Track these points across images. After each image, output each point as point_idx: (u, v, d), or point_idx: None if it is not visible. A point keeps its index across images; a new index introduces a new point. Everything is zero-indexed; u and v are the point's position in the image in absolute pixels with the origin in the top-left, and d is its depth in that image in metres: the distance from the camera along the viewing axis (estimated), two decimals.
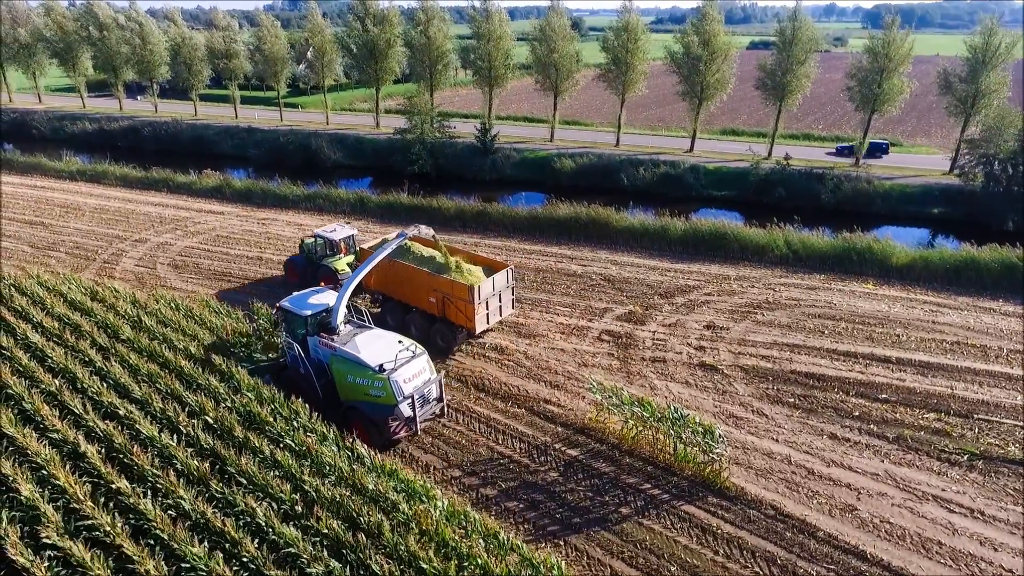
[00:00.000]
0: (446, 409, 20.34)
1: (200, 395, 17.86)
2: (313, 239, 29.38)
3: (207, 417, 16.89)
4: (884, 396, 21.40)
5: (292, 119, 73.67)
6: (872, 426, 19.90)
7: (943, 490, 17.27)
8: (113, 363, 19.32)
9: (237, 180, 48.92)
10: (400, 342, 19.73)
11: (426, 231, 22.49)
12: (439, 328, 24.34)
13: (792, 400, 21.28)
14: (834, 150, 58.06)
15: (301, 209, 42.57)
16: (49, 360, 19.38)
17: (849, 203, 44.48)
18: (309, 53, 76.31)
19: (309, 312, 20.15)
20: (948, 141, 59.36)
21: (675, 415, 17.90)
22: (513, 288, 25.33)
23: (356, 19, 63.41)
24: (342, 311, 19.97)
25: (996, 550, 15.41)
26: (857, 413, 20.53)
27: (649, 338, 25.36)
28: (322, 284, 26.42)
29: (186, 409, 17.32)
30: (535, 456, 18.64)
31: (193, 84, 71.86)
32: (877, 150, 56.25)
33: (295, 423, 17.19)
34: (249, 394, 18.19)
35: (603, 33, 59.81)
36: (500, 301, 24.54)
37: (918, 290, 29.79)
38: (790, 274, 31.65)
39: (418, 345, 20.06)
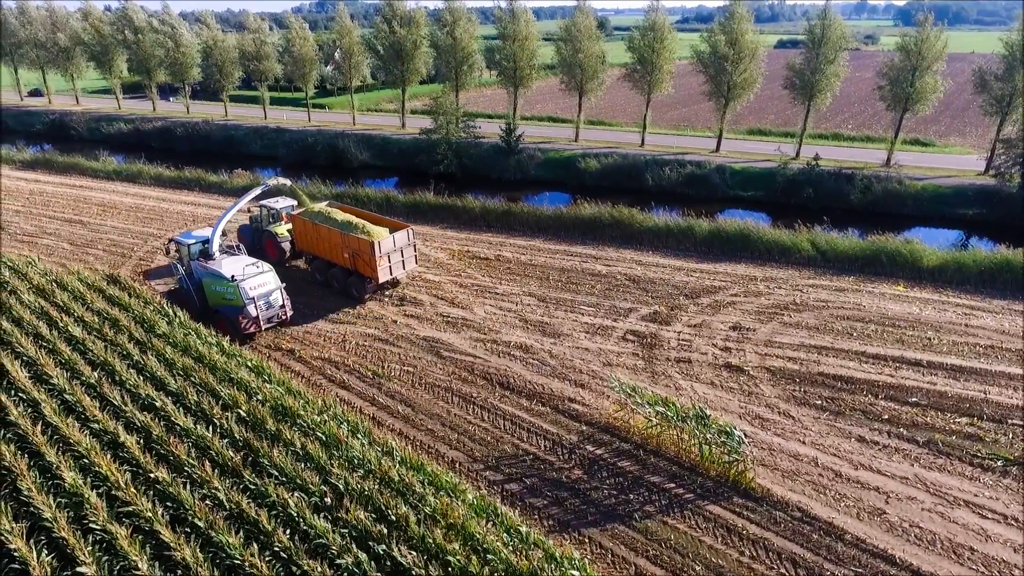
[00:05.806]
0: (289, 313, 25.70)
1: (233, 388, 18.37)
2: (259, 209, 33.44)
3: (240, 410, 17.37)
4: (914, 400, 21.08)
5: (320, 120, 74.66)
6: (902, 429, 19.63)
7: (975, 495, 16.99)
8: (150, 356, 19.94)
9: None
10: (254, 263, 25.52)
11: (283, 181, 29.61)
12: (352, 280, 28.22)
13: (819, 402, 21.08)
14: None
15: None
16: (89, 353, 20.09)
17: (879, 204, 43.65)
18: (337, 54, 77.28)
19: (192, 242, 26.32)
20: (983, 141, 57.96)
21: (698, 415, 17.88)
22: (415, 246, 28.95)
23: (383, 21, 63.99)
24: (216, 241, 26.21)
25: None
26: (886, 416, 20.26)
27: (674, 338, 25.30)
28: (267, 245, 32.46)
29: (219, 402, 17.85)
30: (560, 453, 18.77)
31: (224, 85, 73.28)
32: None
33: (325, 416, 17.58)
34: (280, 388, 18.69)
35: (628, 33, 59.51)
36: (402, 256, 28.23)
37: (950, 292, 29.22)
38: (818, 276, 31.26)
39: (267, 264, 25.89)
